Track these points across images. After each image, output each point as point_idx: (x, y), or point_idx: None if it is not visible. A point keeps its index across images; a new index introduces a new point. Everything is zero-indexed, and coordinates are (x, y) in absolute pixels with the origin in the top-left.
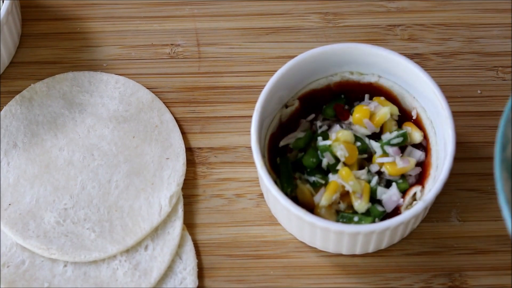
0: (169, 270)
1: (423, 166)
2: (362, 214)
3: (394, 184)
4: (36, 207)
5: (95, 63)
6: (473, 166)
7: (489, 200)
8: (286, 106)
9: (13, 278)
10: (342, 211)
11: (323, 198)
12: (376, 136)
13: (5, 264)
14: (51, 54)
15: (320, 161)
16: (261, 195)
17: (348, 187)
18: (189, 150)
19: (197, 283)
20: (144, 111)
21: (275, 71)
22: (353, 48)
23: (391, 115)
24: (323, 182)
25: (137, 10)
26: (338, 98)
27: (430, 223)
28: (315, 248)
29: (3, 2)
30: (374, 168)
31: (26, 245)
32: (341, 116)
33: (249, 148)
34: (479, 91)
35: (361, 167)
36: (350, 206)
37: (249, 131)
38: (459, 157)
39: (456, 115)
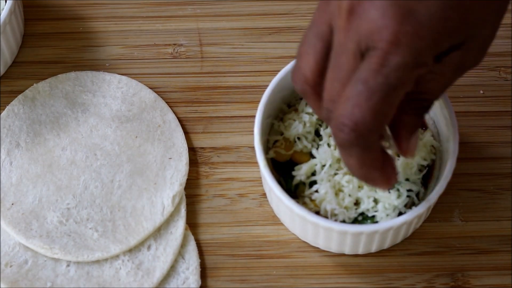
0: (172, 269)
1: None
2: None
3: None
4: (38, 206)
5: (97, 62)
6: (476, 166)
7: (492, 200)
8: (289, 106)
9: (16, 277)
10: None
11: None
12: None
13: (8, 264)
14: (53, 54)
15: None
16: (263, 195)
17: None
18: (191, 150)
19: (199, 283)
20: (146, 111)
21: (278, 71)
22: None
23: None
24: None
25: (139, 10)
26: None
27: (433, 223)
28: (317, 248)
29: (5, 1)
30: None
31: (29, 245)
32: None
33: (252, 148)
34: (481, 91)
35: None
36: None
37: (252, 131)
38: (461, 157)
39: (458, 115)
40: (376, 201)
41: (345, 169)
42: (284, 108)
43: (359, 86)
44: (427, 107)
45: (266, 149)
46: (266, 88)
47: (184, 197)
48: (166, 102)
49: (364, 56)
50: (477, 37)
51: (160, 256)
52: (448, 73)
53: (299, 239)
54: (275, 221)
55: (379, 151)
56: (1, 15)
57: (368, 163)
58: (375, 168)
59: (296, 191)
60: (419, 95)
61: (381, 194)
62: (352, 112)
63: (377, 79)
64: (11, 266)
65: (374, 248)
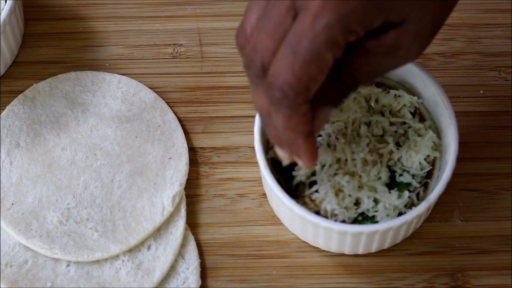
0: (172, 270)
1: None
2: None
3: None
4: (38, 206)
5: (97, 62)
6: (476, 166)
7: (492, 200)
8: None
9: (16, 277)
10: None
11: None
12: None
13: (8, 264)
14: (53, 54)
15: None
16: (263, 195)
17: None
18: (191, 150)
19: (199, 283)
20: (146, 111)
21: None
22: None
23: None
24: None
25: (139, 10)
26: None
27: (433, 223)
28: (318, 248)
29: (5, 1)
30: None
31: (29, 245)
32: None
33: (252, 148)
34: (481, 91)
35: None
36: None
37: (252, 130)
38: (461, 157)
39: (458, 115)
40: (376, 201)
41: (345, 169)
42: None
43: (287, 49)
44: (349, 87)
45: (266, 149)
46: None
47: (184, 197)
48: (166, 102)
49: (297, 16)
50: (414, 22)
51: (160, 256)
52: (380, 54)
53: (299, 239)
54: (275, 221)
55: (306, 118)
56: (1, 15)
57: (292, 125)
58: (299, 133)
59: (296, 191)
60: (347, 70)
61: (381, 194)
62: (281, 73)
63: (302, 44)
64: (11, 266)
65: (374, 248)
